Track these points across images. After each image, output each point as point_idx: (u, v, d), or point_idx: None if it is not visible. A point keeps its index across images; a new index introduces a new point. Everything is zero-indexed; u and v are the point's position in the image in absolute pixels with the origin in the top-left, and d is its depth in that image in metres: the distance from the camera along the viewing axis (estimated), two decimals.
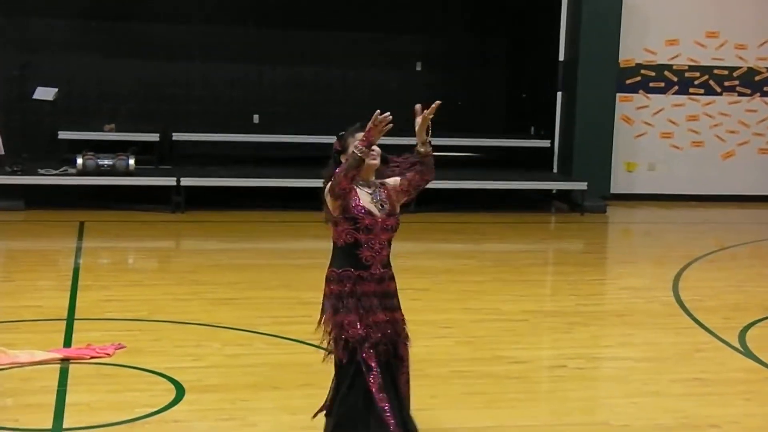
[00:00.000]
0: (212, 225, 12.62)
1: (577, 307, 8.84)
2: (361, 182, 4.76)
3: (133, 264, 10.86)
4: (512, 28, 16.21)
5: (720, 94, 15.67)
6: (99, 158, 12.97)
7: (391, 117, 4.56)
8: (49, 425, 5.66)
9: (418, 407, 4.91)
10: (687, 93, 15.59)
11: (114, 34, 15.02)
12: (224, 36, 15.37)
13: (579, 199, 14.26)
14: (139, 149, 13.64)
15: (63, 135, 13.89)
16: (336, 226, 4.77)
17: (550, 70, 15.17)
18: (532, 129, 15.76)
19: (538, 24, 15.67)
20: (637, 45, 15.26)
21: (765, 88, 15.80)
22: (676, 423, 6.03)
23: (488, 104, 16.31)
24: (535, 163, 15.27)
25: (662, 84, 15.51)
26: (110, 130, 14.07)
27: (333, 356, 4.81)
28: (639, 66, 15.41)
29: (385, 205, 4.79)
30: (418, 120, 4.74)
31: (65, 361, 6.71)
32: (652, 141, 15.57)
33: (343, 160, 4.75)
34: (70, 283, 9.05)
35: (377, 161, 4.80)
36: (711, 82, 15.63)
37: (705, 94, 15.63)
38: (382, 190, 4.82)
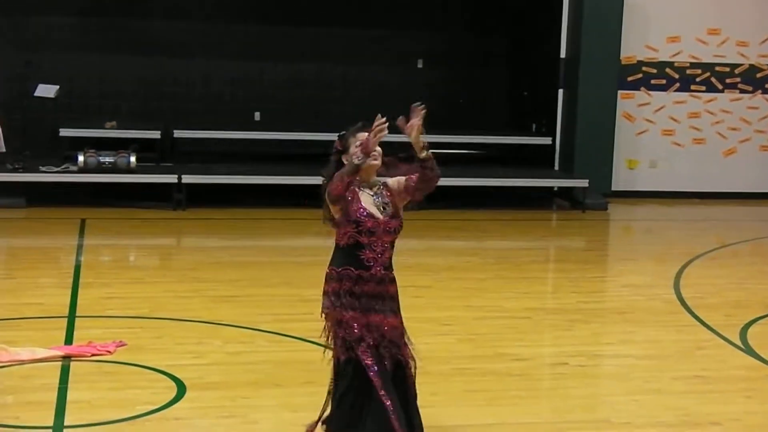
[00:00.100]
0: (213, 222, 12.62)
1: (578, 305, 8.85)
2: (362, 184, 4.74)
3: (134, 261, 10.86)
4: (514, 25, 16.18)
5: (721, 91, 15.65)
6: (100, 156, 12.96)
7: (387, 123, 4.53)
8: (50, 423, 5.66)
9: (420, 405, 4.90)
10: (688, 90, 15.57)
11: (115, 31, 15.03)
12: (225, 33, 15.38)
13: (580, 196, 14.25)
14: (141, 147, 13.63)
15: (64, 132, 13.88)
16: (337, 227, 4.74)
17: (552, 68, 15.15)
18: (534, 126, 15.75)
19: (540, 21, 15.65)
20: (638, 42, 15.24)
21: (766, 85, 15.77)
22: (678, 420, 6.02)
23: (489, 102, 16.28)
24: (536, 160, 15.27)
25: (664, 81, 15.49)
26: (111, 128, 14.06)
27: (331, 361, 4.81)
28: (640, 63, 15.38)
29: (387, 207, 4.76)
30: (408, 132, 4.64)
31: (66, 358, 6.71)
32: (653, 138, 15.55)
33: (344, 159, 4.73)
34: (71, 280, 9.05)
35: (378, 161, 4.76)
36: (712, 80, 15.61)
37: (706, 91, 15.61)
38: (384, 191, 4.79)
